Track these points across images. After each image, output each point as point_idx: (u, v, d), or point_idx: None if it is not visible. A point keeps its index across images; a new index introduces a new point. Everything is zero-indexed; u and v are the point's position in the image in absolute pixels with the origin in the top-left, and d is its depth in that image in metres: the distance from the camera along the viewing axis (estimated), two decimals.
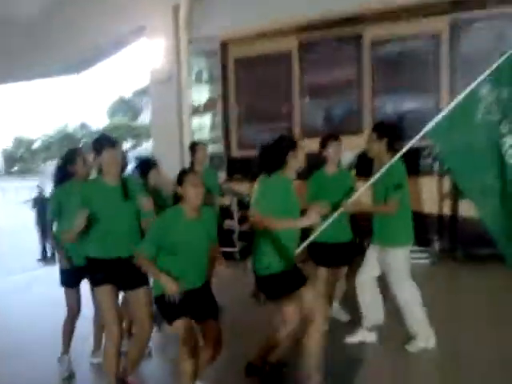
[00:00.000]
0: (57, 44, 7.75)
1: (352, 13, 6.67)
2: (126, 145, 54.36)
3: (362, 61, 6.91)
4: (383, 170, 3.35)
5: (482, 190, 3.06)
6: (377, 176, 3.37)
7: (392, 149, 3.54)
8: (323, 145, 3.95)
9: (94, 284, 3.08)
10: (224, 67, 7.74)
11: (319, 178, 4.00)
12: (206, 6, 7.57)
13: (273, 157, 3.06)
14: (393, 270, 3.55)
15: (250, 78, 7.68)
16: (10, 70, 8.14)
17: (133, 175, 3.82)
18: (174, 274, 2.77)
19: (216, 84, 7.95)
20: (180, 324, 2.77)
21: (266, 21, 7.03)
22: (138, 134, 52.98)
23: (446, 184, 6.19)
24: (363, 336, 3.79)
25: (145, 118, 50.66)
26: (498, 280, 5.01)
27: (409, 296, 3.55)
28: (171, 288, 2.71)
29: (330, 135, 4.02)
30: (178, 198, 2.90)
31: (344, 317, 4.30)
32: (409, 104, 6.67)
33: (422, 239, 6.12)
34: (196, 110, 7.97)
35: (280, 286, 3.00)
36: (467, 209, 5.84)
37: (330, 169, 4.01)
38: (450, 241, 6.22)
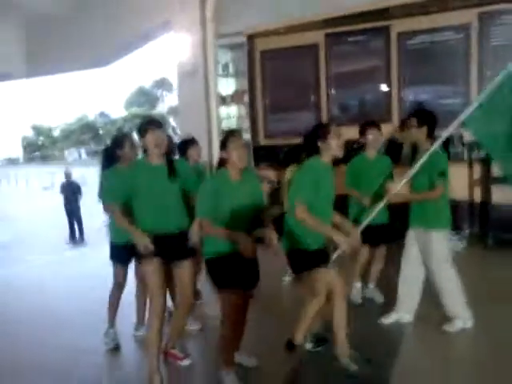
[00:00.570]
0: (89, 40, 7.95)
1: (380, 6, 6.73)
2: None
3: (390, 52, 6.96)
4: (425, 156, 3.48)
5: None
6: (422, 161, 3.49)
7: (430, 136, 3.63)
8: (363, 131, 4.10)
9: (142, 257, 3.14)
10: (250, 60, 7.85)
11: (359, 163, 4.17)
12: (232, 0, 7.70)
13: (307, 143, 3.24)
14: (434, 252, 3.63)
15: (276, 70, 7.78)
16: (44, 63, 8.41)
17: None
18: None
19: (242, 77, 8.10)
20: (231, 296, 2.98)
21: (293, 16, 7.13)
22: None
23: (477, 171, 6.27)
24: (399, 316, 3.88)
25: (163, 107, 51.27)
26: None
27: (449, 277, 3.65)
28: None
29: (370, 122, 4.19)
30: (221, 163, 3.07)
31: (379, 298, 4.45)
32: (438, 95, 6.71)
33: (453, 225, 6.24)
34: (223, 102, 8.13)
35: (309, 261, 3.17)
36: (497, 196, 5.96)
37: (369, 154, 4.16)
38: (480, 227, 6.32)
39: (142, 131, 3.12)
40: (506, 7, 6.28)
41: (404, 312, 3.87)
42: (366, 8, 6.78)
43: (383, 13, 6.74)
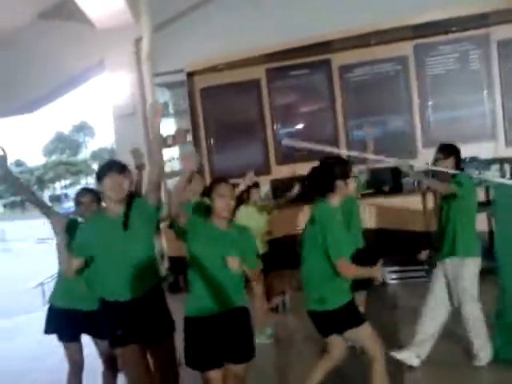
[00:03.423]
0: (13, 83, 7.34)
1: (319, 39, 6.76)
2: (65, 182, 52.77)
3: (333, 85, 7.02)
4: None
5: None
6: None
7: (457, 167, 3.68)
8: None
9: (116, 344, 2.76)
10: (191, 98, 7.61)
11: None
12: (168, 37, 7.46)
13: (321, 182, 2.91)
14: (467, 281, 3.54)
15: (218, 108, 7.59)
16: None
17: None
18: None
19: (182, 116, 7.81)
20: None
21: (232, 51, 7.01)
22: (79, 171, 51.47)
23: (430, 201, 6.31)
24: (409, 355, 3.67)
25: (86, 153, 49.65)
26: None
27: (477, 310, 3.56)
28: None
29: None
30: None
31: None
32: (383, 125, 6.82)
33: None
34: (164, 143, 7.75)
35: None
36: None
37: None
38: None
39: (100, 176, 2.73)
40: (441, 39, 6.55)
41: (415, 355, 3.67)
42: (306, 42, 6.79)
43: (323, 46, 6.79)
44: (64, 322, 3.21)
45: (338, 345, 2.98)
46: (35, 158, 64.37)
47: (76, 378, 3.31)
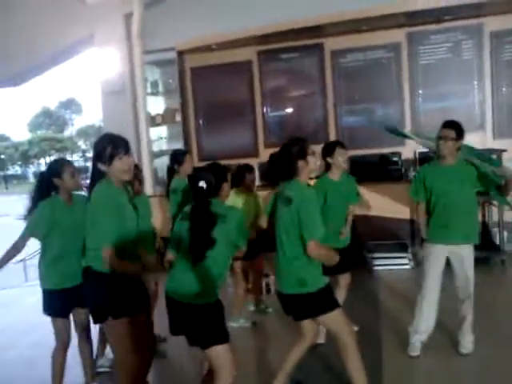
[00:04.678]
0: (4, 55, 7.18)
1: (312, 22, 6.70)
2: (50, 158, 52.12)
3: (325, 70, 6.98)
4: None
5: None
6: None
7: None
8: (330, 152, 3.88)
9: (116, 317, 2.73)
10: (181, 77, 7.52)
11: (325, 185, 3.90)
12: (159, 14, 7.34)
13: (284, 166, 2.89)
14: (471, 263, 3.53)
15: (208, 88, 7.52)
16: None
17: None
18: None
19: (171, 95, 7.72)
20: None
21: (224, 32, 6.91)
22: (64, 148, 50.80)
23: None
24: (420, 337, 3.64)
25: (72, 130, 48.99)
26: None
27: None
28: None
29: (337, 142, 4.01)
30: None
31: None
32: (373, 112, 6.83)
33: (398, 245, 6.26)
34: (153, 122, 7.67)
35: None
36: None
37: (335, 175, 3.94)
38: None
39: (106, 156, 2.61)
40: (434, 28, 6.54)
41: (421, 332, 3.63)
42: (299, 25, 6.72)
43: (316, 30, 6.73)
44: (54, 299, 3.25)
45: (310, 327, 3.00)
46: (20, 133, 63.45)
47: (61, 353, 3.34)
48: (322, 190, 3.77)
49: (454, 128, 3.46)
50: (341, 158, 3.86)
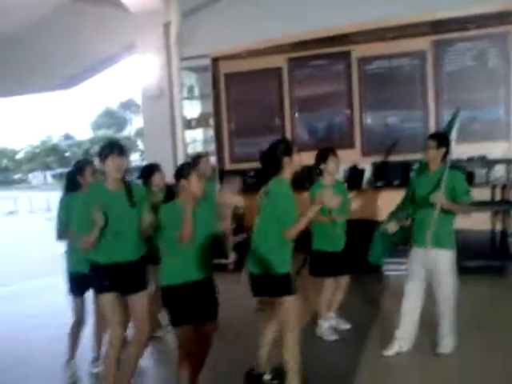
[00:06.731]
0: (53, 62, 7.88)
1: (341, 32, 6.91)
2: None
3: (351, 77, 7.16)
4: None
5: None
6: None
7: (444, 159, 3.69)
8: (324, 158, 4.13)
9: (99, 291, 3.23)
10: (215, 83, 7.92)
11: (318, 190, 4.14)
12: (195, 24, 7.79)
13: (269, 161, 3.23)
14: (446, 270, 3.64)
15: (240, 94, 7.87)
16: (7, 85, 8.29)
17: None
18: None
19: (207, 100, 8.14)
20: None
21: (256, 39, 7.26)
22: None
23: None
24: (399, 345, 3.81)
25: (130, 129, 50.93)
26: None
27: (454, 296, 3.67)
28: None
29: (328, 149, 4.24)
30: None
31: (343, 325, 4.45)
32: (399, 119, 6.94)
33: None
34: (188, 125, 8.13)
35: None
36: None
37: (327, 181, 4.19)
38: None
39: (102, 156, 3.13)
40: (459, 35, 6.56)
41: (405, 341, 3.81)
42: (326, 33, 6.95)
43: (344, 38, 6.93)
44: (73, 282, 3.83)
45: (270, 304, 3.33)
46: (83, 133, 66.61)
47: (77, 328, 3.92)
48: (315, 194, 4.03)
49: (436, 138, 3.66)
50: (333, 165, 4.10)
